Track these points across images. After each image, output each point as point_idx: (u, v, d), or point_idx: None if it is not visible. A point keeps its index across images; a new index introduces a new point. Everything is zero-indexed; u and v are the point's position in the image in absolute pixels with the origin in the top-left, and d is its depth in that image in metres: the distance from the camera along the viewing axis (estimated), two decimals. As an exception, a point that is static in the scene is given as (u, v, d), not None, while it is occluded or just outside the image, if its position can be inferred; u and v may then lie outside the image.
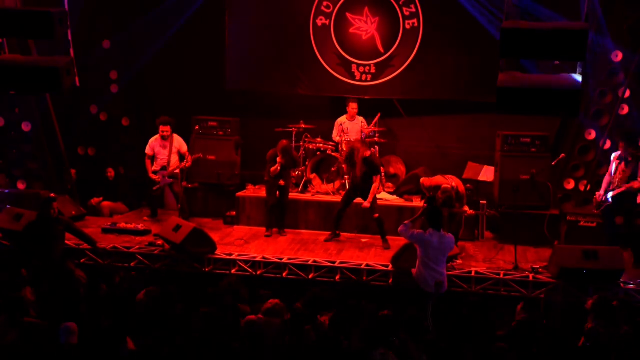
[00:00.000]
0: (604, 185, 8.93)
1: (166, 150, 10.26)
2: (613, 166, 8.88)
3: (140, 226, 9.88)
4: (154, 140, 10.34)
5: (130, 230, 9.74)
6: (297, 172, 10.76)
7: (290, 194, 10.20)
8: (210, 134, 11.05)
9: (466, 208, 9.10)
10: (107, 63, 11.62)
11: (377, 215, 9.42)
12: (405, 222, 7.66)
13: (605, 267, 7.89)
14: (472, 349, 6.12)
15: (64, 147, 11.13)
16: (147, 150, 10.32)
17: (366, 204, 9.32)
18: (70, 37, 7.68)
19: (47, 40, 8.30)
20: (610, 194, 8.76)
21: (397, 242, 9.17)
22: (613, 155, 8.97)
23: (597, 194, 8.95)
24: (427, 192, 9.07)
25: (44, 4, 7.92)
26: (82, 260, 8.79)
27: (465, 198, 9.11)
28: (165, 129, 10.23)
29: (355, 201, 9.62)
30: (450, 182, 8.98)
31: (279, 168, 9.66)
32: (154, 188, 10.32)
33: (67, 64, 7.56)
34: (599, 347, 6.19)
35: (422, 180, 9.32)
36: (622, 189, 8.69)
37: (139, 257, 8.85)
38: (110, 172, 11.37)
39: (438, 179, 9.10)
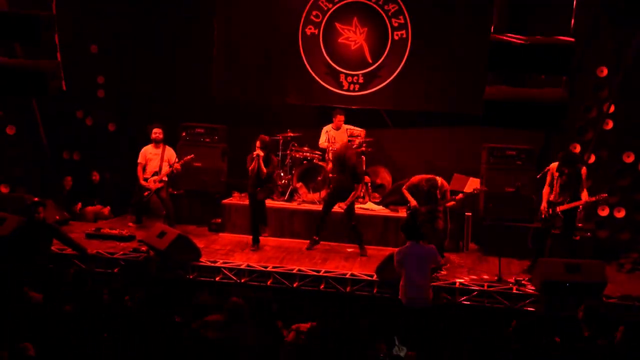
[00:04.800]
0: (545, 197, 8.91)
1: (158, 158, 10.23)
2: (550, 178, 8.88)
3: (124, 232, 9.83)
4: (146, 149, 10.30)
5: (115, 236, 9.68)
6: (283, 180, 10.76)
7: (276, 202, 10.19)
8: (197, 140, 11.02)
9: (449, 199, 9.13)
10: (94, 68, 11.58)
11: (354, 222, 9.45)
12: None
13: (588, 280, 7.94)
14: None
15: (49, 151, 11.06)
16: (140, 159, 10.27)
17: (343, 205, 9.34)
18: (57, 41, 7.65)
19: (34, 43, 8.25)
20: (560, 208, 8.76)
21: (382, 252, 9.20)
22: (550, 167, 8.96)
23: (542, 207, 8.90)
24: (409, 193, 9.04)
25: (32, 6, 7.89)
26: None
27: (448, 194, 9.11)
28: (157, 131, 10.19)
29: (337, 209, 9.64)
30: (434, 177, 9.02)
31: (256, 165, 9.41)
32: (145, 194, 10.26)
33: (54, 67, 7.52)
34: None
35: (403, 187, 9.28)
36: (574, 204, 8.69)
37: (122, 263, 8.78)
38: (95, 176, 11.30)
39: (419, 176, 9.10)
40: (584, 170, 8.75)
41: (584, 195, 8.60)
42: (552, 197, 8.80)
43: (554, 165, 8.85)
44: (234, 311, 6.36)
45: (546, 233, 8.93)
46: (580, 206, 8.74)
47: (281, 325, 6.74)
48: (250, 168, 9.50)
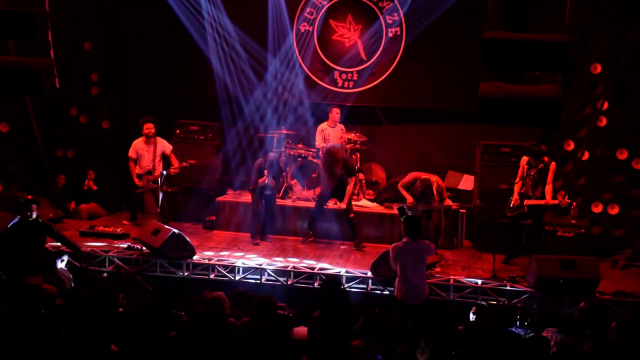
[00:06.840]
0: (516, 189, 8.99)
1: (150, 154, 10.20)
2: (522, 171, 9.00)
3: (118, 230, 9.81)
4: (137, 143, 10.26)
5: (109, 234, 9.66)
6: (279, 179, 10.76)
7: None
8: (191, 138, 11.02)
9: (449, 202, 9.13)
10: (88, 65, 11.53)
11: (352, 215, 9.56)
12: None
13: (582, 277, 7.96)
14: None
15: (43, 149, 11.02)
16: (131, 153, 10.24)
17: (342, 204, 9.44)
18: (50, 38, 7.60)
19: (28, 41, 8.20)
20: (524, 202, 8.88)
21: (377, 249, 9.19)
22: (522, 159, 9.07)
23: (513, 198, 8.98)
24: (405, 190, 9.04)
25: (25, 4, 7.84)
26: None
27: (445, 192, 9.12)
28: (148, 127, 10.15)
29: (332, 207, 9.63)
30: (428, 176, 9.02)
31: (266, 180, 9.63)
32: (137, 192, 10.24)
33: (48, 65, 7.46)
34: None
35: (399, 184, 9.27)
36: (538, 202, 8.82)
37: (116, 260, 8.77)
38: (90, 175, 11.26)
39: (414, 174, 9.10)
40: (552, 166, 8.88)
41: (547, 192, 8.78)
42: (523, 190, 8.94)
43: (525, 158, 8.99)
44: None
45: (515, 225, 9.07)
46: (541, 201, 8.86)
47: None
48: (260, 181, 9.64)
